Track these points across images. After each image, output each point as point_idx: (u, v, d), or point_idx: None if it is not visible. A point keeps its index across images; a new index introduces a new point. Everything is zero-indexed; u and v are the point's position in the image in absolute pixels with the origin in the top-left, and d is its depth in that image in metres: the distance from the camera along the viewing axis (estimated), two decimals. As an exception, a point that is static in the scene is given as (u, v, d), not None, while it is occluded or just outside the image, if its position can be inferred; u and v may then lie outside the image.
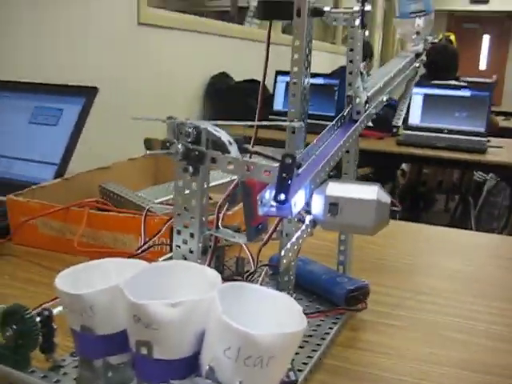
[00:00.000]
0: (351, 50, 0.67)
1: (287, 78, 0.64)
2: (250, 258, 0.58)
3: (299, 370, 0.54)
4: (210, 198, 0.64)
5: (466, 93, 2.72)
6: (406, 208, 3.70)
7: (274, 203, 0.43)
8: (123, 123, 2.37)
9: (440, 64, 3.46)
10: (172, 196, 0.98)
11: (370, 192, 0.46)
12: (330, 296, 0.69)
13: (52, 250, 0.86)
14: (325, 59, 4.83)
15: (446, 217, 3.96)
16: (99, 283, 0.45)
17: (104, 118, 2.17)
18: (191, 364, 0.41)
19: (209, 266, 0.51)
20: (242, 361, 0.38)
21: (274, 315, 0.42)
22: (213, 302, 0.40)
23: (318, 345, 0.59)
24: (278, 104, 3.10)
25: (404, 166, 3.48)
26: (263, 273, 0.57)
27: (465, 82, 3.86)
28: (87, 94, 1.10)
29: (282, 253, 0.43)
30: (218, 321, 0.38)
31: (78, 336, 0.45)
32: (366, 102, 0.67)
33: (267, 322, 0.42)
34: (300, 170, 0.49)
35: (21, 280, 0.77)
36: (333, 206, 0.46)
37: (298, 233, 0.46)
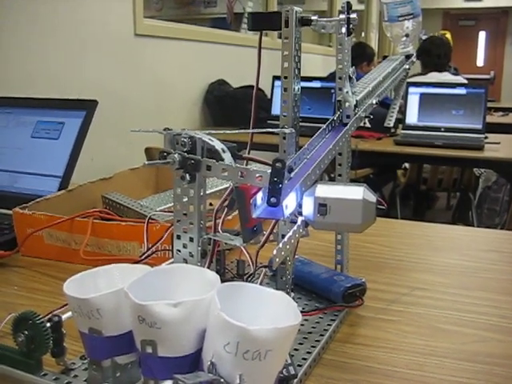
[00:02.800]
0: (340, 56, 0.70)
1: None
2: (250, 260, 0.60)
3: (299, 365, 0.56)
4: (211, 204, 0.67)
5: (462, 90, 2.74)
6: (409, 207, 3.73)
7: (266, 206, 0.45)
8: (123, 134, 2.40)
9: (439, 54, 3.57)
10: (172, 204, 1.01)
11: (357, 192, 0.48)
12: (328, 294, 0.71)
13: (58, 260, 0.89)
14: (321, 62, 4.86)
15: (448, 214, 3.97)
16: (105, 288, 0.48)
17: (104, 129, 2.20)
18: (194, 360, 0.44)
19: (208, 268, 0.53)
20: (241, 355, 0.40)
21: (271, 311, 0.45)
22: (212, 300, 0.42)
23: (317, 341, 0.62)
24: (277, 109, 3.13)
25: (407, 164, 3.51)
26: (262, 274, 0.60)
27: (462, 77, 3.92)
28: (87, 107, 1.13)
29: (274, 252, 0.46)
30: (217, 318, 0.41)
31: (86, 338, 0.47)
32: (356, 106, 0.69)
33: (264, 318, 0.44)
34: (292, 174, 0.51)
35: (29, 290, 0.80)
36: (322, 206, 0.48)
37: (290, 233, 0.49)
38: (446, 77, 3.55)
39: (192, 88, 3.16)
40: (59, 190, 1.05)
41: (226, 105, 3.15)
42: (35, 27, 2.08)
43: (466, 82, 3.58)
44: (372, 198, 0.49)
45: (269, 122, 2.89)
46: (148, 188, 1.21)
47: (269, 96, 3.19)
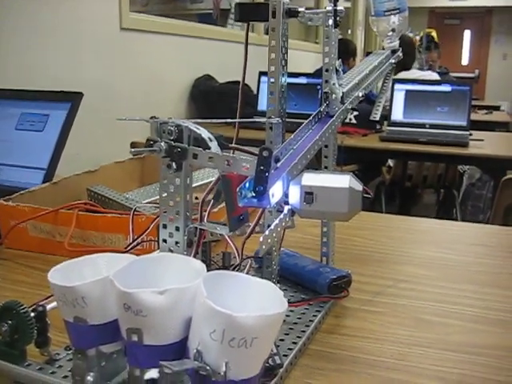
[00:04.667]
0: (327, 48, 0.70)
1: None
2: (235, 251, 0.60)
3: (285, 355, 0.56)
4: (196, 198, 0.66)
5: (447, 88, 2.76)
6: (394, 205, 3.75)
7: (253, 194, 0.45)
8: (110, 127, 2.39)
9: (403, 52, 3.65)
10: (158, 197, 1.01)
11: (343, 180, 0.49)
12: (314, 285, 0.71)
13: (42, 252, 0.88)
14: (308, 59, 4.87)
15: (433, 211, 4.00)
16: (90, 276, 0.48)
17: (90, 123, 2.19)
18: (180, 349, 0.44)
19: (194, 257, 0.53)
20: (227, 342, 0.40)
21: (257, 300, 0.45)
22: (198, 288, 0.42)
23: (303, 331, 0.62)
24: (263, 104, 3.13)
25: (390, 162, 3.53)
26: (248, 265, 0.60)
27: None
28: (72, 99, 1.12)
29: (261, 239, 0.46)
30: (203, 305, 0.41)
31: (71, 327, 0.47)
32: (342, 98, 0.69)
33: (250, 307, 0.44)
34: (278, 164, 0.51)
35: (13, 282, 0.79)
36: (308, 194, 0.48)
37: (276, 221, 0.49)
38: (415, 74, 3.67)
39: (178, 83, 3.14)
40: (44, 182, 1.04)
41: (212, 100, 3.14)
42: (25, 24, 2.06)
43: (438, 77, 3.67)
44: (358, 186, 0.49)
45: (255, 117, 2.89)
46: (133, 181, 1.20)
47: (255, 92, 3.18)
